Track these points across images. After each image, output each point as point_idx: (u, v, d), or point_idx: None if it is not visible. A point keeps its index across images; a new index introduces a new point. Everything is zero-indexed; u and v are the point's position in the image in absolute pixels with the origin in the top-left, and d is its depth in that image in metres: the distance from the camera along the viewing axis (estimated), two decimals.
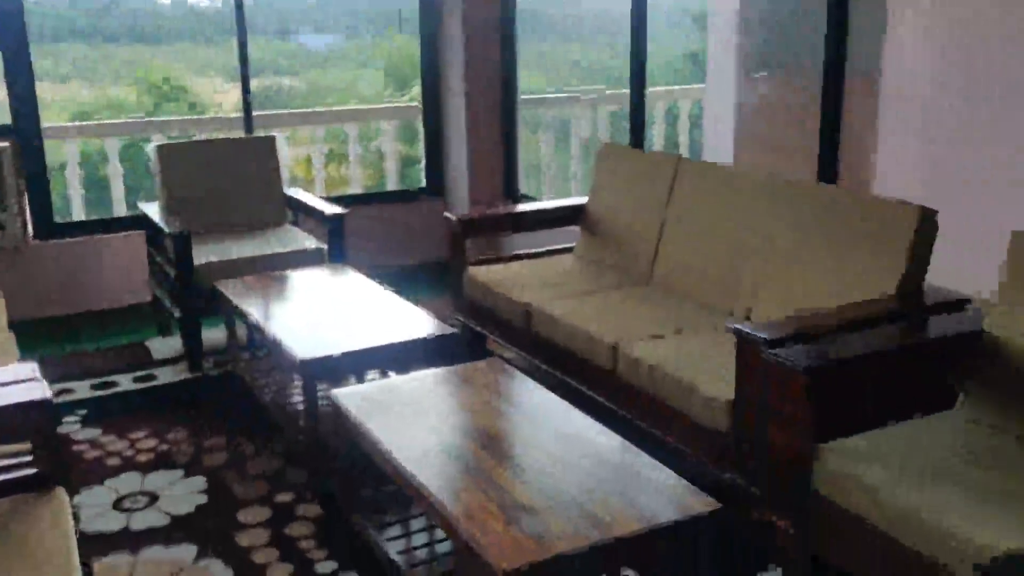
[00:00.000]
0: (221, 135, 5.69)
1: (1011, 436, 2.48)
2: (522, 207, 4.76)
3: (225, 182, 4.95)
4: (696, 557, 2.07)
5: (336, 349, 3.14)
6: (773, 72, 5.57)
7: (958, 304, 2.90)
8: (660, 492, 2.14)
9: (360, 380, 3.25)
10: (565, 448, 2.36)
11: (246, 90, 5.43)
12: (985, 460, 2.34)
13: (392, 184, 6.34)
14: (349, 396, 2.76)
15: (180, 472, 3.40)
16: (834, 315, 2.79)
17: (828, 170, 3.63)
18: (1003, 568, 1.53)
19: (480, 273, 4.15)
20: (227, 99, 9.59)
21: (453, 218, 4.28)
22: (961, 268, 3.17)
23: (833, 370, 2.44)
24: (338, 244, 4.52)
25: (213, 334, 4.50)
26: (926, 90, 4.63)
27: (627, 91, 4.68)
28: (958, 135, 4.53)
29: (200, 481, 3.33)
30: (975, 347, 2.62)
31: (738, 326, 2.70)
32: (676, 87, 7.81)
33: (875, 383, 2.62)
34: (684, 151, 6.82)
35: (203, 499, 3.21)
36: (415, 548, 2.67)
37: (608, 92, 7.22)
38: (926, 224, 2.92)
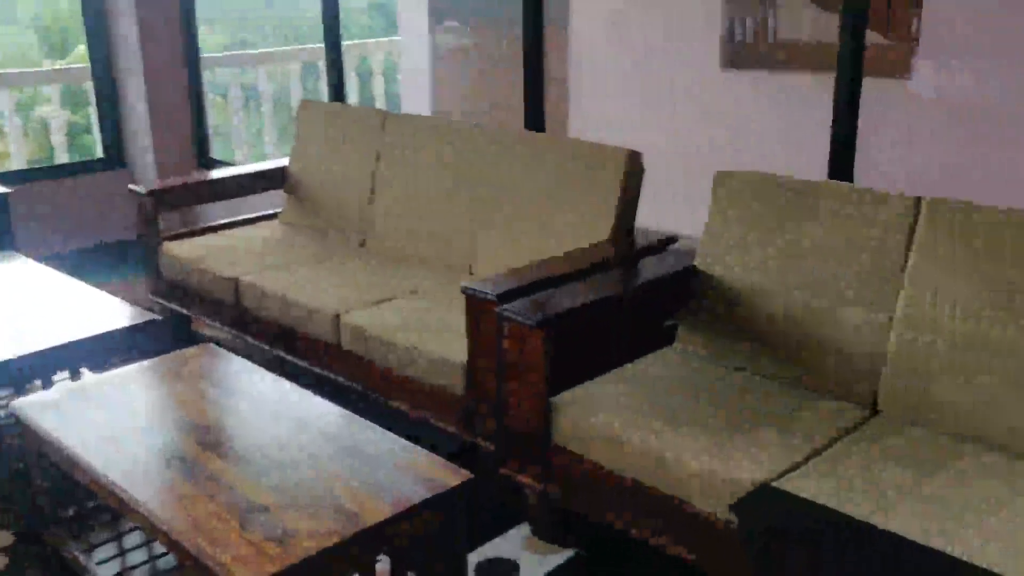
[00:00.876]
0: None
1: (725, 366, 2.60)
2: (218, 173, 4.38)
3: None
4: (450, 529, 1.97)
5: (9, 352, 2.70)
6: (465, 21, 5.53)
7: (667, 243, 3.01)
8: (407, 471, 2.01)
9: (47, 385, 2.83)
10: (298, 436, 2.17)
11: None
12: (708, 393, 2.44)
13: (63, 157, 5.64)
14: (33, 406, 2.38)
15: None
16: (557, 266, 2.78)
17: (535, 119, 3.63)
18: (755, 500, 1.55)
19: (177, 249, 3.77)
20: None
21: (141, 190, 3.85)
22: (672, 209, 3.31)
23: (563, 321, 2.42)
24: (2, 228, 3.93)
25: None
26: (605, 42, 4.78)
27: (317, 46, 4.42)
28: (641, 82, 4.73)
29: None
30: (688, 284, 2.72)
31: (467, 284, 2.62)
32: (369, 40, 7.60)
33: (600, 330, 2.65)
34: (381, 106, 6.65)
35: None
36: (132, 568, 2.37)
37: (297, 49, 6.88)
38: (633, 167, 2.98)
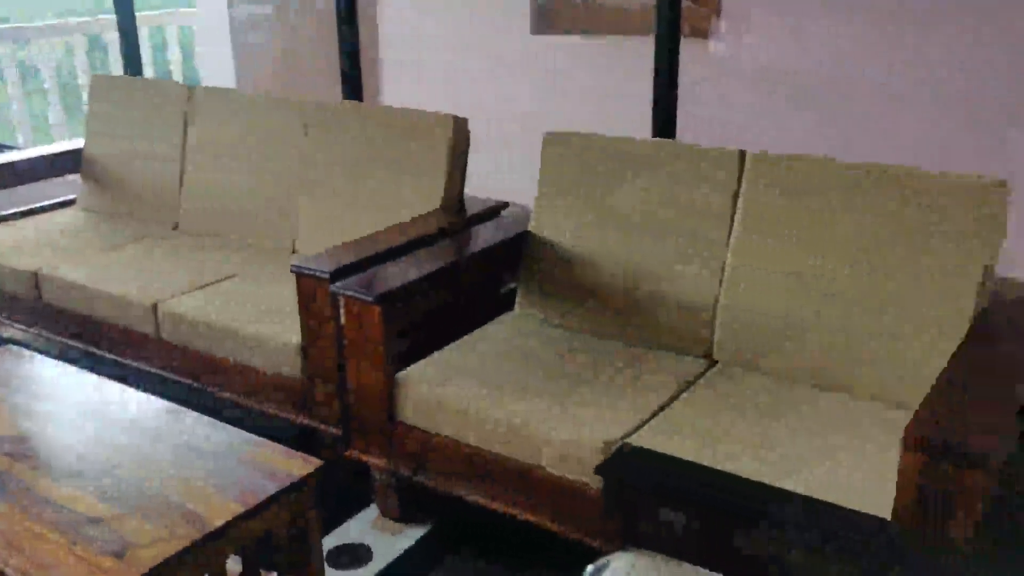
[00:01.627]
0: None
1: (565, 328, 2.61)
2: (3, 158, 3.99)
3: None
4: (303, 521, 1.87)
5: None
6: None
7: (498, 209, 2.98)
8: (251, 464, 1.88)
9: None
10: (126, 437, 1.99)
11: None
12: (551, 357, 2.43)
13: None
14: None
15: None
16: (389, 238, 2.69)
17: (352, 89, 3.50)
18: (619, 461, 1.55)
19: None
20: None
21: None
22: (491, 179, 3.27)
23: (401, 295, 2.35)
24: None
25: None
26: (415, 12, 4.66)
27: (106, 18, 4.09)
28: (453, 51, 4.65)
29: None
30: (523, 249, 2.71)
31: (297, 263, 2.49)
32: (164, 11, 7.13)
33: (439, 301, 2.59)
34: (178, 79, 6.27)
35: None
36: None
37: (82, 22, 6.36)
38: (460, 133, 2.93)
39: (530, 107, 4.46)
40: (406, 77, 4.86)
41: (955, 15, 3.45)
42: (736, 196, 2.41)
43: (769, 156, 2.38)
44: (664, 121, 2.86)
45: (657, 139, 2.71)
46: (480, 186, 3.07)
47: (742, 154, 2.42)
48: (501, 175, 3.57)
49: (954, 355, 1.95)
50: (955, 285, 2.11)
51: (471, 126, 2.95)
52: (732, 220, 2.41)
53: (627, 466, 1.51)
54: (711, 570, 1.45)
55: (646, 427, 2.09)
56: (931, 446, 1.62)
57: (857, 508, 1.53)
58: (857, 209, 2.23)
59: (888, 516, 1.66)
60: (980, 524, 1.60)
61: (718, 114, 4.05)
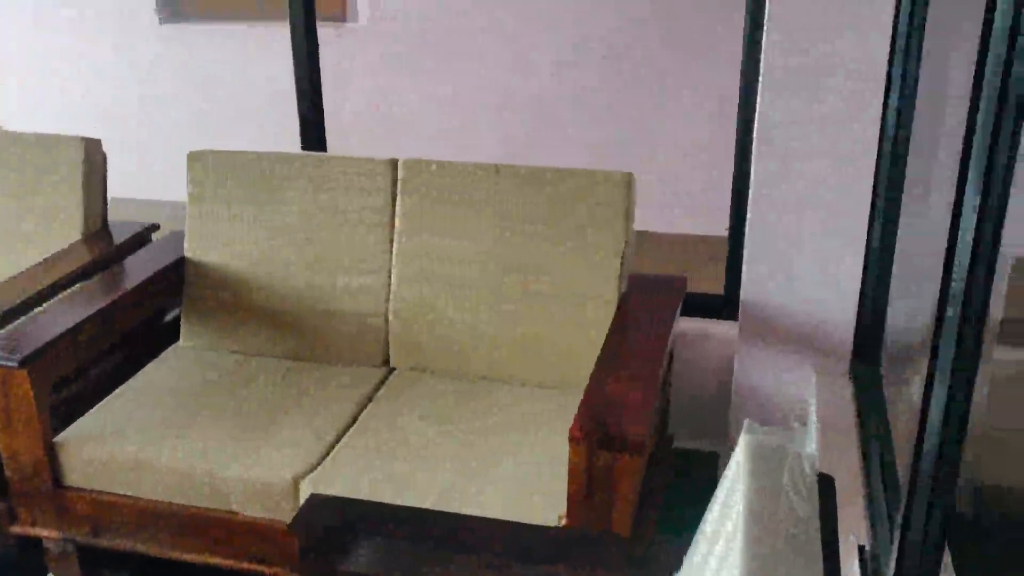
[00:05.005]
0: None
1: (236, 354, 2.54)
2: None
3: None
4: None
5: None
6: None
7: (149, 232, 2.81)
8: None
9: None
10: None
11: None
12: (224, 389, 2.36)
13: None
14: None
15: None
16: (27, 284, 2.45)
17: None
18: (307, 515, 1.55)
19: None
20: None
21: None
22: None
23: (50, 353, 2.15)
24: None
25: None
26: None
27: None
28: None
29: None
30: (181, 275, 2.58)
31: None
32: None
33: (94, 349, 2.40)
34: None
35: None
36: None
37: None
38: (93, 155, 2.71)
39: (162, 102, 4.23)
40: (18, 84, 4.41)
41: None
42: (393, 204, 2.45)
43: (420, 162, 2.43)
44: (312, 117, 2.79)
45: (306, 153, 2.67)
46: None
47: (394, 162, 2.45)
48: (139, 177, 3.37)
49: (606, 341, 2.14)
50: (597, 272, 2.29)
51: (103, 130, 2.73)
52: (392, 228, 2.44)
53: (316, 520, 1.52)
54: None
55: (331, 457, 2.09)
56: (593, 438, 1.78)
57: (540, 504, 1.66)
58: (505, 210, 2.35)
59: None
60: (635, 507, 1.79)
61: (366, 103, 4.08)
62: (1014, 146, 1.11)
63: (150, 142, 4.30)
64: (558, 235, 2.32)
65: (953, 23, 1.90)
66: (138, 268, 2.59)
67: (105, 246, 2.69)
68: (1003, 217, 1.15)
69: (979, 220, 1.14)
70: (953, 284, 1.18)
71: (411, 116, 4.19)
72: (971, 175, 1.14)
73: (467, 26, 4.10)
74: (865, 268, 2.25)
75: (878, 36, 2.06)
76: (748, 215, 2.29)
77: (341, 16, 4.19)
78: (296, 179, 2.49)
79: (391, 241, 2.45)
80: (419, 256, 2.42)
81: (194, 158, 2.57)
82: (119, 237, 2.74)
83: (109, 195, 2.78)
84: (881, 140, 2.14)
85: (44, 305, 2.38)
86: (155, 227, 2.82)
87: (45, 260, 2.58)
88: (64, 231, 2.67)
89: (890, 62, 2.09)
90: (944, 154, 1.90)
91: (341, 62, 4.05)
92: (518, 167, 2.36)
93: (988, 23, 1.12)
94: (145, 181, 4.01)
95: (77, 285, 2.48)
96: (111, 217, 2.79)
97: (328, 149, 2.84)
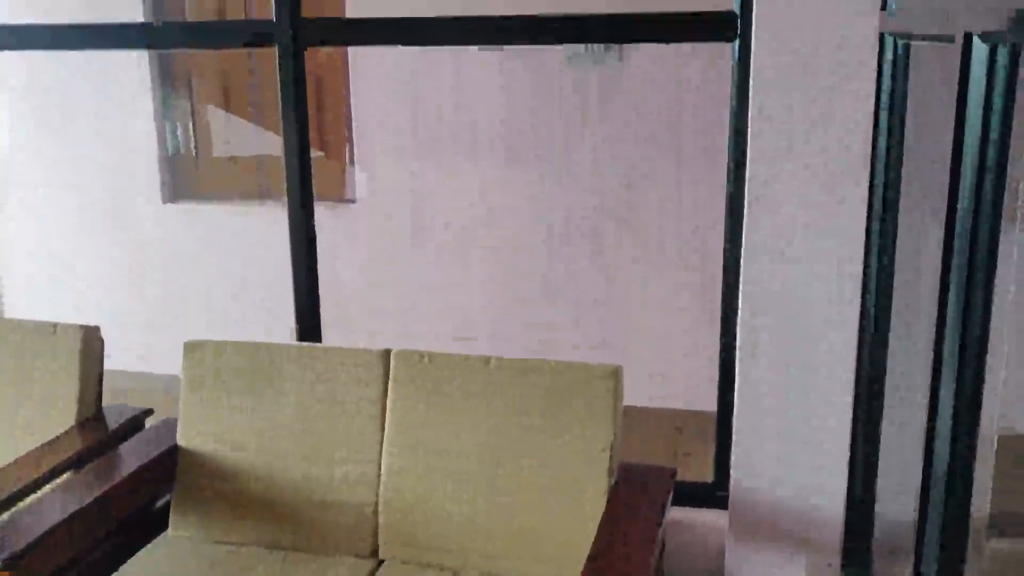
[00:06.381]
0: None
1: (226, 545, 2.52)
2: None
3: None
4: None
5: None
6: None
7: (141, 419, 2.82)
8: None
9: None
10: None
11: None
12: None
13: None
14: None
15: None
16: (18, 475, 2.45)
17: None
18: None
19: None
20: None
21: None
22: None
23: (39, 549, 2.14)
24: None
25: None
26: None
27: None
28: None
29: None
30: (173, 463, 2.59)
31: None
32: None
33: (86, 541, 2.38)
34: None
35: None
36: None
37: None
38: (91, 343, 2.76)
39: (163, 279, 4.33)
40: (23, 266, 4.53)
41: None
42: (385, 393, 2.49)
43: (413, 353, 2.49)
44: (309, 304, 2.87)
45: (302, 344, 2.72)
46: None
47: (387, 353, 2.51)
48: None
49: (598, 533, 2.15)
50: (589, 465, 2.32)
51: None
52: (383, 419, 2.48)
53: None
54: None
55: None
56: None
57: None
58: (497, 402, 2.39)
59: None
60: None
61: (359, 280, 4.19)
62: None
63: (150, 317, 4.39)
64: (549, 427, 2.35)
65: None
66: (132, 457, 2.60)
67: (99, 433, 2.70)
68: (979, 398, 1.20)
69: (956, 401, 1.18)
70: (935, 465, 1.21)
71: (405, 294, 4.29)
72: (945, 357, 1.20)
73: (461, 211, 4.26)
74: (851, 466, 2.28)
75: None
76: (736, 398, 2.34)
77: (340, 196, 4.34)
78: (293, 370, 2.53)
79: (382, 432, 2.47)
80: (412, 447, 2.44)
81: (191, 348, 2.62)
82: (113, 422, 2.76)
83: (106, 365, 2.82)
84: (861, 339, 2.22)
85: (38, 493, 2.38)
86: (149, 412, 2.85)
87: (40, 448, 2.59)
88: (60, 418, 2.69)
89: (866, 253, 2.19)
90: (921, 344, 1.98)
91: (338, 239, 4.19)
92: (508, 360, 2.41)
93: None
94: (144, 354, 4.07)
95: (70, 473, 2.48)
96: (110, 383, 2.82)
97: (325, 327, 2.90)
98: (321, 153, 4.43)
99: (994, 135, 1.09)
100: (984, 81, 1.12)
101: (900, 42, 2.06)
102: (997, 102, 1.08)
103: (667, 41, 3.40)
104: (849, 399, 2.24)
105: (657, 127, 4.00)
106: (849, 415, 2.25)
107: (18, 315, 3.69)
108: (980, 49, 1.22)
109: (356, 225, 4.32)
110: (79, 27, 2.89)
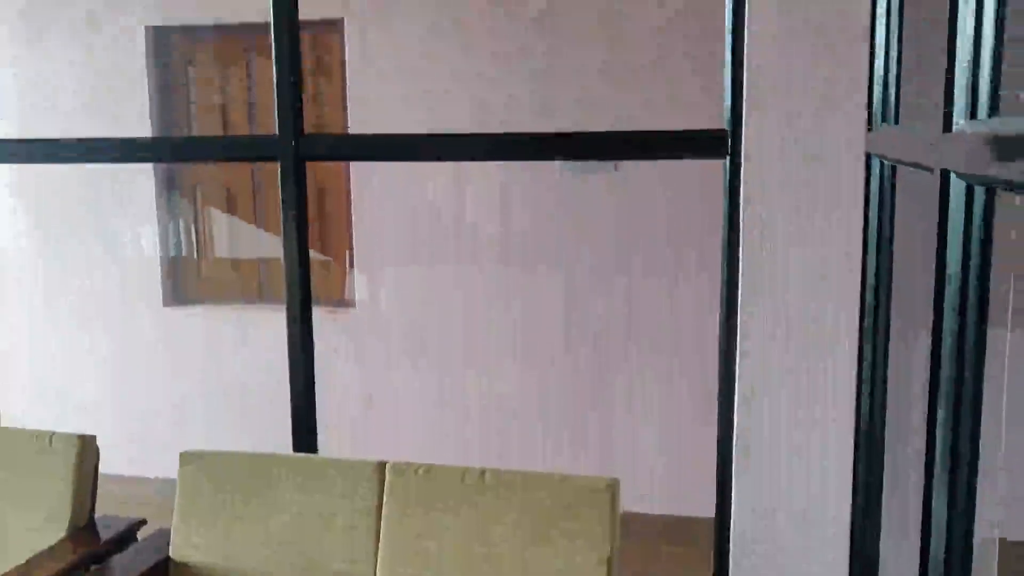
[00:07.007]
0: None
1: None
2: None
3: None
4: None
5: None
6: None
7: (133, 530, 2.80)
8: None
9: None
10: None
11: None
12: None
13: None
14: None
15: None
16: None
17: None
18: None
19: None
20: None
21: None
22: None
23: None
24: None
25: None
26: None
27: None
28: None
29: None
30: (165, 574, 2.55)
31: None
32: None
33: None
34: None
35: None
36: None
37: None
38: (86, 452, 2.75)
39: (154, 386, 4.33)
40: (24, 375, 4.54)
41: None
42: (380, 507, 2.47)
43: (409, 465, 2.48)
44: (305, 411, 2.86)
45: (296, 456, 2.71)
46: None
47: (381, 465, 2.50)
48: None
49: None
50: None
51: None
52: (379, 531, 2.45)
53: None
54: None
55: None
56: None
57: None
58: (492, 516, 2.37)
59: None
60: None
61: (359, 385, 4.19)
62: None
63: (146, 420, 4.38)
64: (546, 540, 2.32)
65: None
66: (123, 570, 2.57)
67: (91, 545, 2.67)
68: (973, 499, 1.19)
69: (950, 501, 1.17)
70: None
71: (402, 405, 4.29)
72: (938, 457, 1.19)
73: (459, 321, 4.29)
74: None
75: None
76: (732, 508, 2.33)
77: (341, 300, 4.38)
78: (288, 482, 2.52)
79: (378, 544, 2.45)
80: (407, 560, 2.41)
81: (187, 460, 2.61)
82: (105, 533, 2.74)
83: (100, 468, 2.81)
84: (858, 424, 2.22)
85: None
86: (142, 523, 2.82)
87: (31, 560, 2.56)
88: (52, 528, 2.67)
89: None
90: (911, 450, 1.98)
91: (338, 342, 4.21)
92: (504, 472, 2.40)
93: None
94: (135, 457, 4.05)
95: None
96: (103, 487, 2.80)
97: (320, 433, 2.89)
98: (329, 258, 4.49)
99: (973, 279, 1.11)
100: (962, 219, 1.16)
101: (886, 163, 2.11)
102: (975, 246, 1.11)
103: (661, 158, 3.48)
104: (846, 518, 2.24)
105: (656, 231, 4.07)
106: (847, 532, 2.24)
107: (16, 415, 3.69)
108: (958, 185, 1.26)
109: (356, 328, 4.34)
110: (90, 141, 2.97)
